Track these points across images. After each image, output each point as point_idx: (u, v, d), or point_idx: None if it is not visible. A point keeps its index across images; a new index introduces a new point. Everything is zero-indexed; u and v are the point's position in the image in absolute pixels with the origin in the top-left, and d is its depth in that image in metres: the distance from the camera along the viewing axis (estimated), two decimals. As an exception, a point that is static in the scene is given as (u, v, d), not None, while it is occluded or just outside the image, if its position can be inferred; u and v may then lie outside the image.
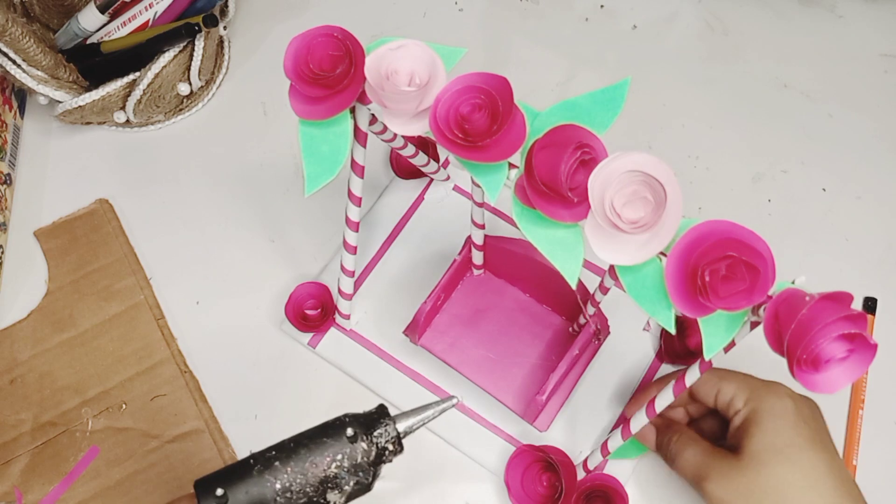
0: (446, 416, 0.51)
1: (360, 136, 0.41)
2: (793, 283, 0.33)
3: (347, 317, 0.53)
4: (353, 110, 0.39)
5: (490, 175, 0.36)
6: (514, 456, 0.49)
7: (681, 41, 0.64)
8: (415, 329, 0.50)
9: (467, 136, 0.35)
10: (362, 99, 0.38)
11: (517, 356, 0.52)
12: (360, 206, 0.45)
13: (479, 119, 0.34)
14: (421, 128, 0.36)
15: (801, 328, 0.30)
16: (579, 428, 0.51)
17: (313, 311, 0.52)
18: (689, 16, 0.65)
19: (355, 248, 0.47)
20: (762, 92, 0.62)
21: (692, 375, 0.38)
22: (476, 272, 0.54)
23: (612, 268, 0.38)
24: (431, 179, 0.58)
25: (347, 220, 0.46)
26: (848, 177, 0.59)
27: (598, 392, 0.52)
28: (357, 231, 0.46)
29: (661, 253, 0.34)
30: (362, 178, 0.43)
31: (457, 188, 0.58)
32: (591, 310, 0.47)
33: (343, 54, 0.37)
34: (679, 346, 0.51)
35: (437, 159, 0.55)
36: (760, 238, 0.32)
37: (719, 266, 0.32)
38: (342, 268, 0.49)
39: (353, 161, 0.43)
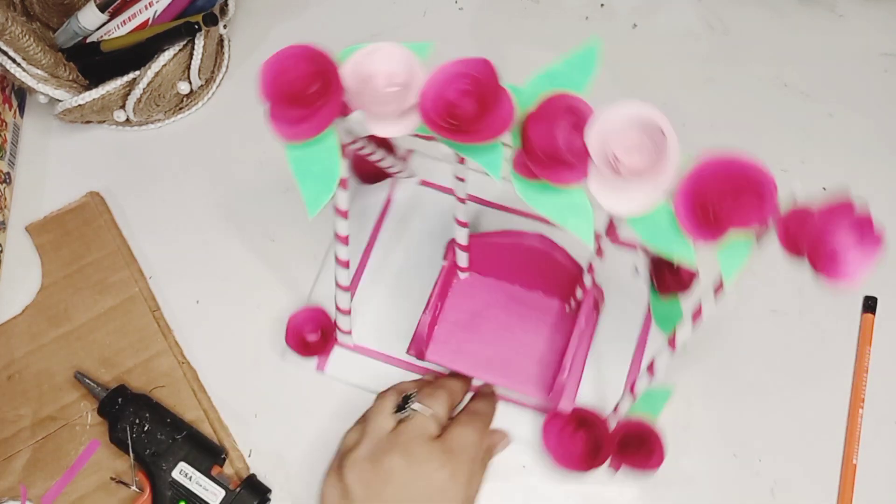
0: None
1: (342, 150, 0.41)
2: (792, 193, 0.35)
3: (349, 332, 0.52)
4: None
5: (488, 155, 0.36)
6: (546, 423, 0.50)
7: (681, 40, 0.64)
8: (420, 344, 0.50)
9: (459, 121, 0.35)
10: (344, 111, 0.38)
11: (523, 346, 0.52)
12: (347, 218, 0.44)
13: (468, 103, 0.35)
14: (407, 127, 0.37)
15: (817, 230, 0.33)
16: (599, 391, 0.52)
17: (314, 336, 0.52)
18: (689, 15, 0.65)
19: (347, 262, 0.47)
20: (762, 91, 0.62)
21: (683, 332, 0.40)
22: (462, 276, 0.54)
23: (610, 226, 0.38)
24: (395, 179, 0.57)
25: (337, 236, 0.45)
26: (848, 176, 0.59)
27: (608, 350, 0.53)
28: (347, 244, 0.46)
29: None
30: (347, 189, 0.43)
31: (424, 182, 0.58)
32: (588, 281, 0.48)
33: (317, 70, 0.36)
34: (671, 281, 0.52)
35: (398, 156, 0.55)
36: (757, 162, 0.34)
37: (726, 190, 0.33)
38: (337, 284, 0.48)
39: None
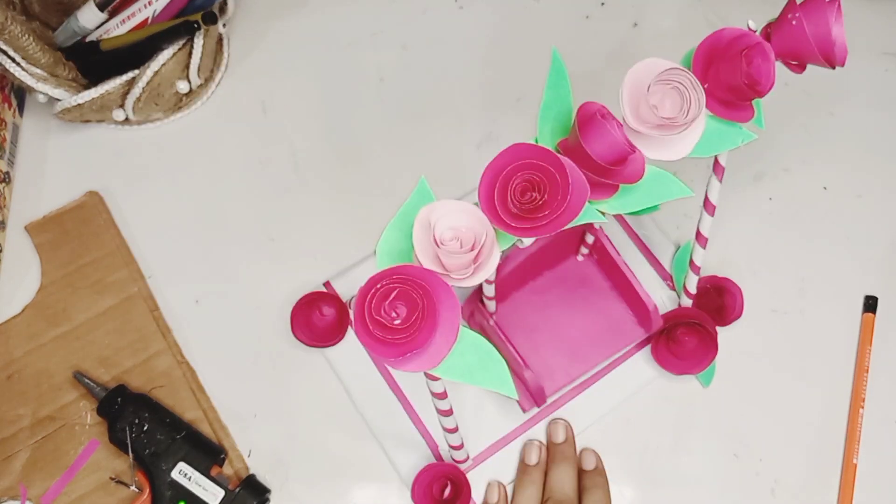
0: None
1: None
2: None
3: (467, 459, 0.50)
4: None
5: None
6: (654, 350, 0.52)
7: (682, 39, 0.64)
8: (540, 392, 0.49)
9: (534, 213, 0.34)
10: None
11: (593, 312, 0.53)
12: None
13: (537, 199, 0.35)
14: (484, 274, 0.36)
15: (810, 33, 0.38)
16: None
17: (447, 491, 0.49)
18: (689, 13, 0.65)
19: (450, 410, 0.44)
20: (763, 90, 0.62)
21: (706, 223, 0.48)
22: (493, 319, 0.52)
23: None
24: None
25: (433, 394, 0.42)
26: (849, 175, 0.59)
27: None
28: (446, 397, 0.43)
29: None
30: None
31: None
32: (590, 238, 0.51)
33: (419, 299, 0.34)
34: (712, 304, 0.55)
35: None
36: (727, 29, 0.41)
37: (736, 69, 0.38)
38: (444, 429, 0.46)
39: None
